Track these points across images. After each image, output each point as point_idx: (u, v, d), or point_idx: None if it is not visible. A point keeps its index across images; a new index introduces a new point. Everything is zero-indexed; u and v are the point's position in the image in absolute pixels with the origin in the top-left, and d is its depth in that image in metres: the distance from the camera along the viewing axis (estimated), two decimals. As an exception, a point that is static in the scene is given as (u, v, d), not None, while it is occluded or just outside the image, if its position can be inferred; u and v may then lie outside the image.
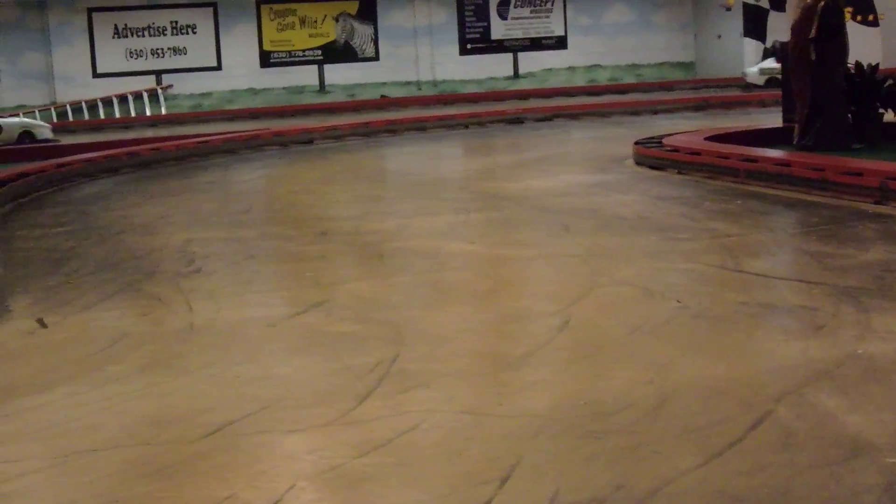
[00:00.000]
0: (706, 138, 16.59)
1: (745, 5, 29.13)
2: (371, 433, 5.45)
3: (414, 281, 9.05)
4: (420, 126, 23.52)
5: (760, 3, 23.82)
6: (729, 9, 27.84)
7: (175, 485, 4.97)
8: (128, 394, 6.32)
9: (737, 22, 30.72)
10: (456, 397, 5.98)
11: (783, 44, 29.92)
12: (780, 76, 18.92)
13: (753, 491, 4.57)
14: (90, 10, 31.11)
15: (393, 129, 23.28)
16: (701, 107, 26.18)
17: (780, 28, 21.43)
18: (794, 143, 15.60)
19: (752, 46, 30.20)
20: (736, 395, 5.77)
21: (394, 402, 5.92)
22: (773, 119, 19.70)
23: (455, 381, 6.29)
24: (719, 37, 33.75)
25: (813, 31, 15.10)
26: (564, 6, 34.17)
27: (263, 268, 10.09)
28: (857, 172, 12.12)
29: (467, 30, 33.59)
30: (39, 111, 30.18)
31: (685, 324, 7.33)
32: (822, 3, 15.14)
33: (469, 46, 33.59)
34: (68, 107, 30.44)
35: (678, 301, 7.86)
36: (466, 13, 33.57)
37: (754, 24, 30.35)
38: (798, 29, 15.44)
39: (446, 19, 33.34)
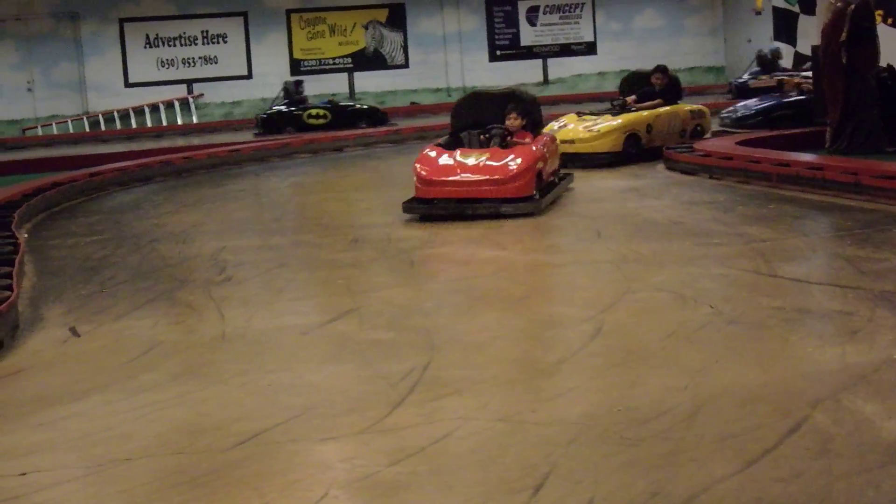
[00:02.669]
0: (738, 143, 16.49)
1: (775, 9, 29.00)
2: (404, 441, 5.44)
3: (446, 287, 9.04)
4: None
5: (790, 7, 23.71)
6: (759, 13, 27.71)
7: (209, 494, 4.97)
8: (161, 402, 6.32)
9: (767, 26, 30.53)
10: (489, 404, 5.96)
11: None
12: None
13: (790, 498, 4.53)
14: (122, 21, 31.26)
15: (424, 136, 23.23)
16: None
17: (810, 32, 21.31)
18: (827, 146, 15.50)
19: (783, 50, 30.02)
20: (772, 401, 5.72)
21: (427, 410, 5.91)
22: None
23: (488, 388, 6.27)
24: (749, 41, 33.60)
25: (844, 35, 15.00)
26: (594, 12, 34.12)
27: (296, 275, 10.08)
28: (891, 175, 12.03)
29: (497, 36, 33.57)
30: (72, 121, 30.34)
31: (720, 329, 7.29)
32: (853, 6, 15.04)
33: (499, 53, 33.57)
34: (100, 116, 30.57)
35: (712, 306, 7.81)
36: (496, 20, 33.55)
37: (784, 28, 30.22)
38: (829, 32, 15.34)
39: (476, 26, 33.32)
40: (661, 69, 18.04)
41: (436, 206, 12.37)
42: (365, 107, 27.81)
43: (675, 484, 4.76)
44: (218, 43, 32.00)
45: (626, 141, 16.64)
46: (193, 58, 31.83)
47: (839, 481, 4.67)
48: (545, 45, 33.78)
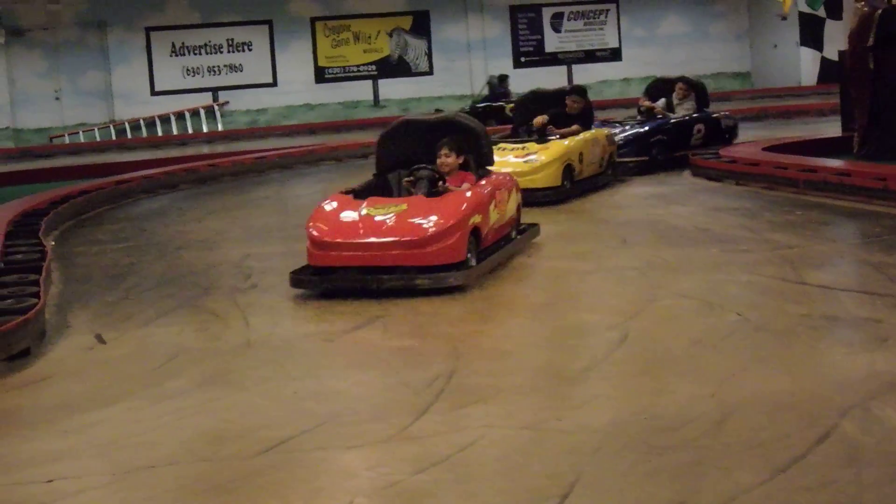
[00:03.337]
0: (764, 149, 16.42)
1: (802, 14, 28.93)
2: (429, 449, 5.42)
3: (470, 294, 9.01)
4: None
5: (816, 12, 23.64)
6: (784, 18, 27.68)
7: (233, 501, 4.96)
8: (186, 410, 6.33)
9: (793, 31, 30.54)
10: (515, 412, 5.94)
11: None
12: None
13: (819, 507, 4.50)
14: (148, 30, 31.38)
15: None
16: (758, 117, 25.99)
17: (836, 37, 21.23)
18: (855, 152, 15.42)
19: (809, 56, 29.99)
20: (800, 409, 5.69)
21: (452, 418, 5.89)
22: (832, 128, 19.52)
23: (513, 396, 6.25)
24: (775, 46, 33.50)
25: (870, 40, 14.93)
26: (618, 18, 34.07)
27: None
28: (919, 181, 11.97)
29: (521, 43, 33.56)
30: (99, 129, 30.47)
31: (746, 337, 7.25)
32: (880, 11, 14.96)
33: (523, 59, 33.56)
34: (127, 124, 30.69)
35: (739, 314, 7.77)
36: (520, 26, 33.55)
37: (811, 33, 30.15)
38: (856, 37, 15.28)
39: (500, 33, 33.32)
40: (577, 91, 15.71)
41: (333, 279, 9.22)
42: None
43: (701, 493, 4.73)
44: (243, 51, 32.09)
45: (563, 173, 14.07)
46: (219, 66, 31.92)
47: (868, 490, 4.63)
48: (570, 52, 33.77)
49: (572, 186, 14.18)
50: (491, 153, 10.83)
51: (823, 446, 5.12)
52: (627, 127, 17.09)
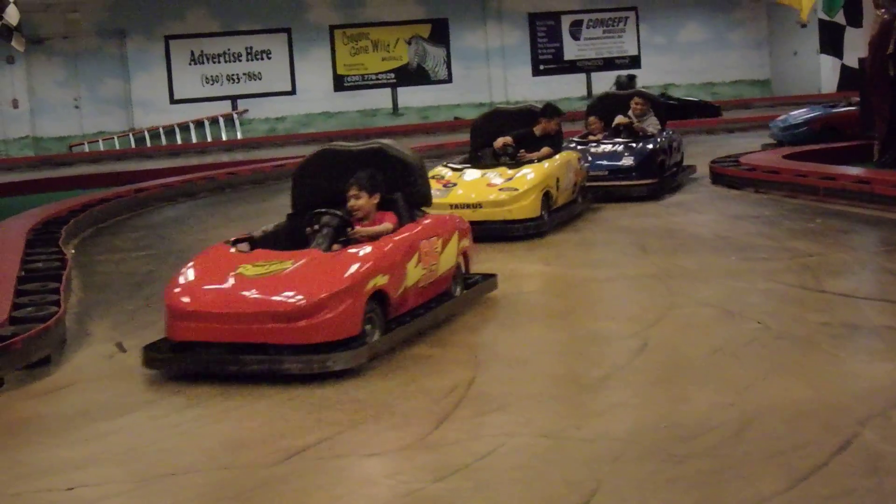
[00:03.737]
0: (784, 156, 16.39)
1: (821, 21, 28.83)
2: (449, 457, 5.43)
3: (490, 302, 9.01)
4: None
5: (836, 19, 23.57)
6: (804, 25, 27.57)
7: (254, 509, 4.97)
8: (206, 417, 6.34)
9: (812, 39, 30.40)
10: (534, 420, 5.94)
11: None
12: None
13: (840, 516, 4.49)
14: (167, 38, 31.47)
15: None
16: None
17: (856, 44, 21.17)
18: (875, 160, 15.37)
19: (829, 63, 29.88)
20: (820, 417, 5.67)
21: (471, 426, 5.89)
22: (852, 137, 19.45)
23: (533, 404, 6.25)
24: (795, 54, 33.42)
25: (891, 47, 14.88)
26: (637, 26, 34.05)
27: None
28: (939, 189, 11.93)
29: (540, 51, 33.56)
30: (118, 137, 30.57)
31: (766, 345, 7.23)
32: (901, 18, 14.91)
33: (542, 67, 33.55)
34: (146, 132, 30.78)
35: (759, 322, 7.76)
36: (539, 34, 33.54)
37: (830, 41, 30.05)
38: (876, 45, 15.23)
39: (518, 41, 33.31)
40: (550, 111, 13.41)
41: (189, 358, 7.23)
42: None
43: (722, 501, 4.72)
44: (262, 59, 32.15)
45: (541, 202, 12.05)
46: (238, 74, 31.99)
47: (890, 499, 4.61)
48: (589, 60, 33.74)
49: (549, 217, 12.21)
50: (428, 190, 8.82)
51: (844, 455, 5.11)
52: (618, 146, 14.73)
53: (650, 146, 14.69)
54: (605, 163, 14.47)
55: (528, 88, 32.63)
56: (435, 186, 10.48)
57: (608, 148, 14.72)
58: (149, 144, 30.50)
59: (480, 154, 13.21)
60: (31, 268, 10.47)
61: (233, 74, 31.97)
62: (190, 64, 31.73)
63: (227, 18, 31.67)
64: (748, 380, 6.43)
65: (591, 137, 15.17)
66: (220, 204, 17.54)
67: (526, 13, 33.39)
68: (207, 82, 31.79)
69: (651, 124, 15.28)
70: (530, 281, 10.01)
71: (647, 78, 32.89)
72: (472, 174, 12.40)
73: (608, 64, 33.70)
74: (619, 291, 9.38)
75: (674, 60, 33.71)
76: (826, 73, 31.74)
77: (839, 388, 6.20)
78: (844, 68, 27.91)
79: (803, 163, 15.44)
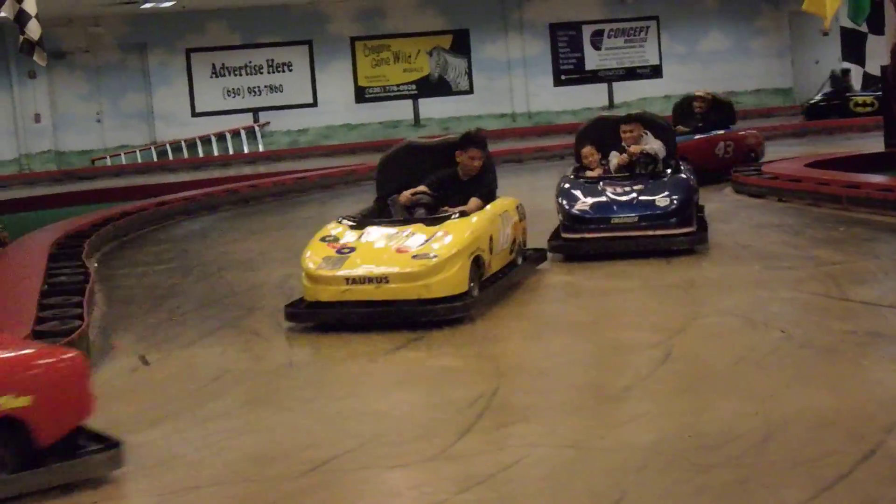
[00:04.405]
0: (807, 165, 16.32)
1: (843, 29, 28.76)
2: (473, 468, 5.42)
3: (512, 313, 9.00)
4: (516, 158, 23.47)
5: (858, 27, 23.50)
6: (826, 34, 27.50)
7: (278, 521, 4.98)
8: (230, 430, 6.35)
9: (835, 47, 30.31)
10: (558, 431, 5.93)
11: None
12: None
13: (866, 525, 4.47)
14: (188, 51, 31.53)
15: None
16: (800, 133, 25.85)
17: (879, 51, 21.10)
18: (899, 167, 15.28)
19: (852, 71, 29.75)
20: (845, 426, 5.65)
21: (495, 437, 5.89)
22: (875, 144, 19.38)
23: (557, 415, 6.25)
24: (817, 62, 33.32)
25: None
26: (659, 35, 33.98)
27: (362, 302, 10.05)
28: (963, 197, 11.87)
29: (561, 61, 33.54)
30: (140, 150, 30.67)
31: (790, 354, 7.21)
32: (923, 25, 14.85)
33: (563, 77, 33.50)
34: (168, 146, 30.86)
35: (783, 331, 7.73)
36: (560, 44, 33.51)
37: (853, 49, 29.97)
38: (898, 52, 15.19)
39: (540, 51, 33.26)
40: (465, 142, 10.01)
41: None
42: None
43: (747, 511, 4.71)
44: (283, 71, 32.20)
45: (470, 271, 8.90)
46: (259, 86, 32.04)
47: (916, 508, 4.59)
48: (610, 69, 33.68)
49: (480, 290, 9.09)
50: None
51: (869, 463, 5.09)
52: (648, 183, 11.40)
53: (684, 178, 11.66)
54: (628, 207, 11.18)
55: (550, 99, 32.61)
56: (324, 253, 8.98)
57: (628, 187, 11.41)
58: (171, 157, 30.58)
59: (390, 202, 10.01)
60: (55, 282, 10.51)
61: (254, 87, 32.02)
62: (211, 77, 31.79)
63: (247, 31, 31.73)
64: (772, 389, 6.41)
65: (589, 174, 11.83)
66: (242, 217, 17.58)
67: (547, 23, 33.37)
68: (229, 95, 31.86)
69: (656, 148, 11.90)
70: (553, 291, 10.00)
71: (669, 87, 32.84)
72: (375, 233, 9.23)
73: (630, 73, 33.65)
74: (643, 301, 9.36)
75: (695, 69, 33.61)
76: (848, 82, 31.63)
77: (864, 397, 6.17)
78: (866, 76, 27.86)
79: (826, 171, 15.37)
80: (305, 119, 31.94)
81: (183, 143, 30.87)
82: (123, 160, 30.37)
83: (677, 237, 11.01)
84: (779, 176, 15.17)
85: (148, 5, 28.28)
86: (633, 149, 11.74)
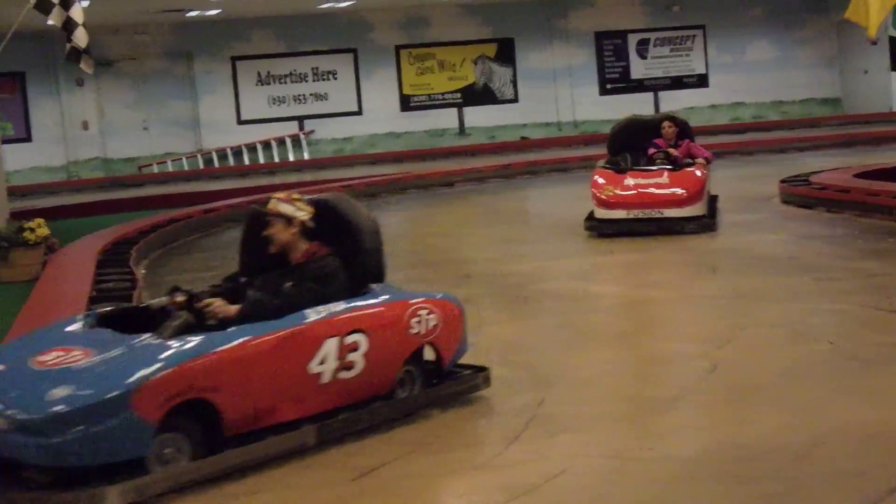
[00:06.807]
0: (855, 175, 16.21)
1: (892, 39, 28.58)
2: (518, 477, 5.44)
3: (557, 323, 9.00)
4: (561, 167, 23.44)
5: (905, 36, 23.30)
6: (874, 42, 27.34)
7: (324, 529, 5.00)
8: (276, 437, 6.37)
9: (883, 56, 30.11)
10: (602, 441, 5.93)
11: None
12: None
13: (913, 540, 4.44)
14: (234, 59, 31.71)
15: (534, 171, 23.21)
16: (848, 143, 25.68)
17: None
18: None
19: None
20: (890, 441, 5.62)
21: (540, 447, 5.89)
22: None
23: (601, 425, 6.24)
24: (865, 72, 33.09)
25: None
26: (705, 44, 33.86)
27: (407, 311, 10.05)
28: None
29: (607, 70, 33.49)
30: (186, 158, 30.86)
31: (836, 366, 7.17)
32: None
33: (609, 86, 33.48)
34: (213, 153, 31.04)
35: (830, 343, 7.69)
36: (605, 53, 33.45)
37: (902, 58, 29.74)
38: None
39: (585, 60, 33.21)
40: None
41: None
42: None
43: (792, 524, 4.69)
44: (328, 80, 32.32)
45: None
46: (304, 94, 32.17)
47: (963, 523, 4.56)
48: (656, 79, 33.59)
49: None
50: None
51: (915, 478, 5.06)
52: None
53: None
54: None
55: (595, 108, 32.54)
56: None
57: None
58: (216, 165, 30.74)
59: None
60: (103, 288, 10.60)
61: (299, 95, 32.15)
62: (256, 85, 31.95)
63: (292, 39, 31.85)
64: (817, 401, 6.38)
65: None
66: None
67: (592, 32, 33.33)
68: (274, 103, 32.00)
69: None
70: (597, 301, 9.99)
71: (715, 97, 32.75)
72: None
73: (676, 83, 33.55)
74: (688, 312, 9.33)
75: (742, 79, 33.46)
76: (899, 92, 31.44)
77: (911, 410, 6.14)
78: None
79: (875, 182, 15.26)
80: (350, 127, 32.00)
81: (228, 151, 31.03)
82: (170, 167, 30.57)
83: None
84: (827, 186, 15.08)
85: (193, 13, 28.45)
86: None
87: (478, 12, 32.30)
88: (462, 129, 32.25)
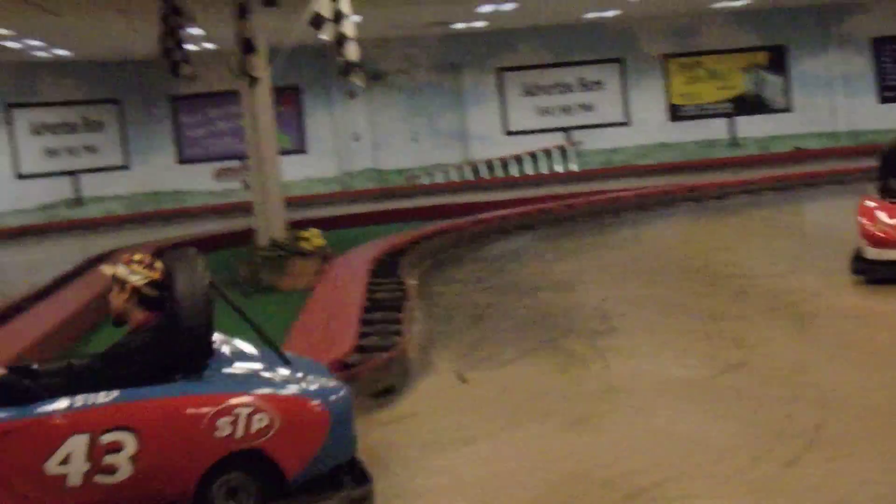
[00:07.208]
0: None
1: None
2: (799, 501, 5.23)
3: (839, 342, 8.66)
4: (840, 179, 22.63)
5: None
6: None
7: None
8: (550, 451, 6.36)
9: None
10: (891, 469, 5.65)
11: None
12: None
13: None
14: (500, 70, 31.99)
15: (811, 183, 22.51)
16: None
17: None
18: None
19: None
20: None
21: (822, 470, 5.68)
22: None
23: (889, 453, 5.94)
24: None
25: None
26: None
27: (680, 326, 9.87)
28: None
29: (886, 77, 32.31)
30: (454, 169, 31.28)
31: None
32: None
33: (888, 94, 32.28)
34: (481, 164, 31.36)
35: None
36: (884, 59, 32.30)
37: None
38: None
39: (862, 67, 32.14)
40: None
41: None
42: None
43: None
44: (594, 90, 32.23)
45: None
46: (570, 105, 32.18)
47: None
48: (938, 86, 32.25)
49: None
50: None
51: None
52: None
53: None
54: None
55: (874, 117, 31.40)
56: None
57: None
58: (483, 176, 31.04)
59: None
60: (375, 297, 10.78)
61: (565, 105, 32.19)
62: (522, 95, 32.14)
63: (558, 50, 31.90)
64: None
65: None
66: (555, 237, 17.63)
67: (869, 38, 32.23)
68: (540, 114, 32.12)
69: None
70: (884, 319, 9.56)
71: None
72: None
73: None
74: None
75: None
76: None
77: None
78: None
79: None
80: (618, 138, 31.84)
81: (495, 162, 31.29)
82: (439, 178, 31.04)
83: None
84: None
85: (460, 25, 28.82)
86: None
87: (748, 20, 31.67)
88: (734, 140, 31.67)
